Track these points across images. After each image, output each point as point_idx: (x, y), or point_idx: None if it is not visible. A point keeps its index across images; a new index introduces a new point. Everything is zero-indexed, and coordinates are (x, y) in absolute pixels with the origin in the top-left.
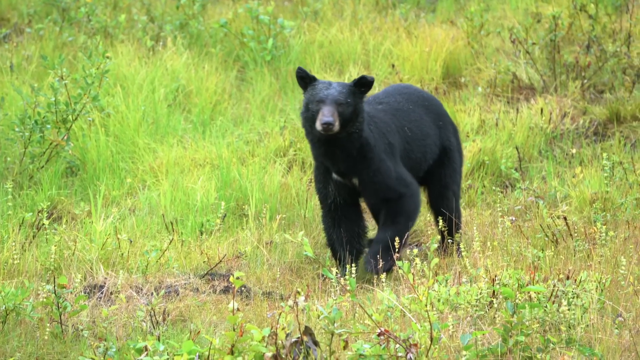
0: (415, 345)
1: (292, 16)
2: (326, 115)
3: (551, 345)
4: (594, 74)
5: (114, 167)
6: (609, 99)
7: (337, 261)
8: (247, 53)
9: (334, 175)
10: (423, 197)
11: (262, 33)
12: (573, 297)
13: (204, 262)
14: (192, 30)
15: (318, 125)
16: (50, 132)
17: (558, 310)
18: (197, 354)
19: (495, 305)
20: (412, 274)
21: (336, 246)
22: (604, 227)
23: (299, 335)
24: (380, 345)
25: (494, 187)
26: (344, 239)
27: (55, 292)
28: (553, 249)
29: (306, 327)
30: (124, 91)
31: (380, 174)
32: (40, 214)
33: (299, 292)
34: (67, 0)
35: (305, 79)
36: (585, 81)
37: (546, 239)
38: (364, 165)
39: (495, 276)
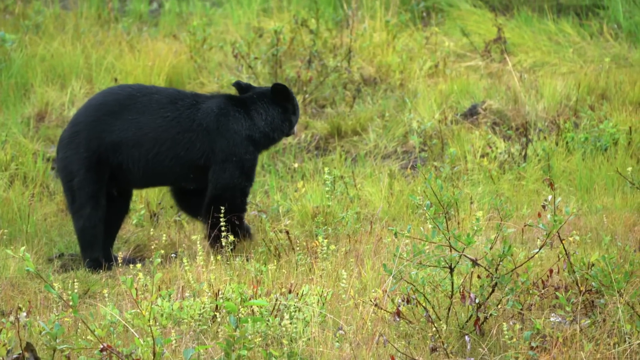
0: None
1: (13, 29)
2: None
3: (273, 359)
4: (316, 88)
5: None
6: (330, 114)
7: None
8: None
9: None
10: None
11: None
12: (295, 311)
13: None
14: None
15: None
16: None
17: (280, 324)
18: None
19: (219, 320)
20: (135, 288)
21: None
22: (326, 240)
23: (20, 352)
24: None
25: None
26: None
27: None
28: (275, 263)
29: (28, 344)
30: None
31: None
32: None
33: (20, 308)
34: None
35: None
36: (307, 96)
37: (269, 252)
38: None
39: (219, 290)
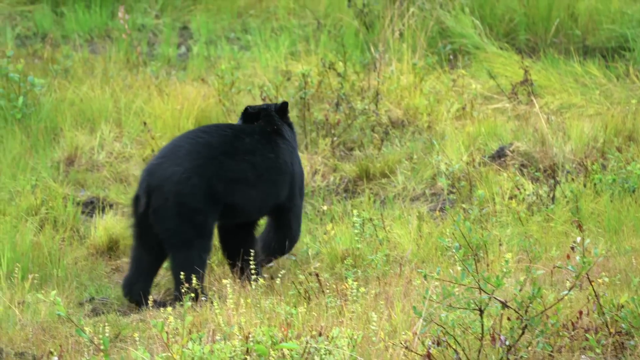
0: None
1: (42, 74)
2: None
3: None
4: (344, 131)
5: None
6: (358, 156)
7: None
8: None
9: None
10: None
11: (12, 91)
12: (325, 354)
13: None
14: None
15: None
16: None
17: None
18: None
19: None
20: (166, 332)
21: None
22: (355, 283)
23: None
24: None
25: None
26: None
27: None
28: (306, 306)
29: None
30: None
31: None
32: None
33: (52, 352)
34: None
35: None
36: (335, 138)
37: (299, 295)
38: None
39: (249, 333)
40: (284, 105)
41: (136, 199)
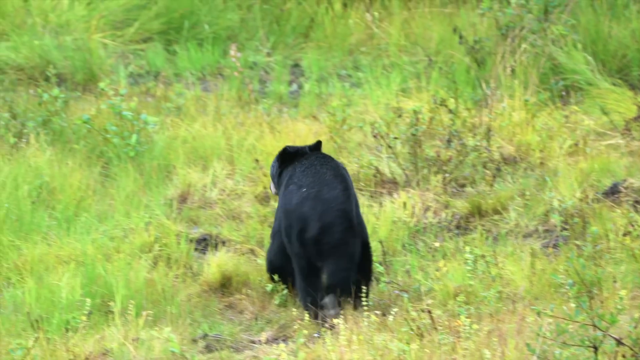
0: None
1: (155, 112)
2: None
3: None
4: (455, 167)
5: None
6: (470, 193)
7: None
8: (111, 149)
9: None
10: None
11: (126, 129)
12: None
13: (70, 359)
14: (55, 126)
15: None
16: None
17: None
18: None
19: None
20: None
21: None
22: (468, 320)
23: None
24: None
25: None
26: None
27: None
28: (418, 343)
29: None
30: None
31: None
32: None
33: None
34: None
35: None
36: (447, 175)
37: (411, 332)
38: None
39: None
40: (318, 143)
41: (301, 232)
